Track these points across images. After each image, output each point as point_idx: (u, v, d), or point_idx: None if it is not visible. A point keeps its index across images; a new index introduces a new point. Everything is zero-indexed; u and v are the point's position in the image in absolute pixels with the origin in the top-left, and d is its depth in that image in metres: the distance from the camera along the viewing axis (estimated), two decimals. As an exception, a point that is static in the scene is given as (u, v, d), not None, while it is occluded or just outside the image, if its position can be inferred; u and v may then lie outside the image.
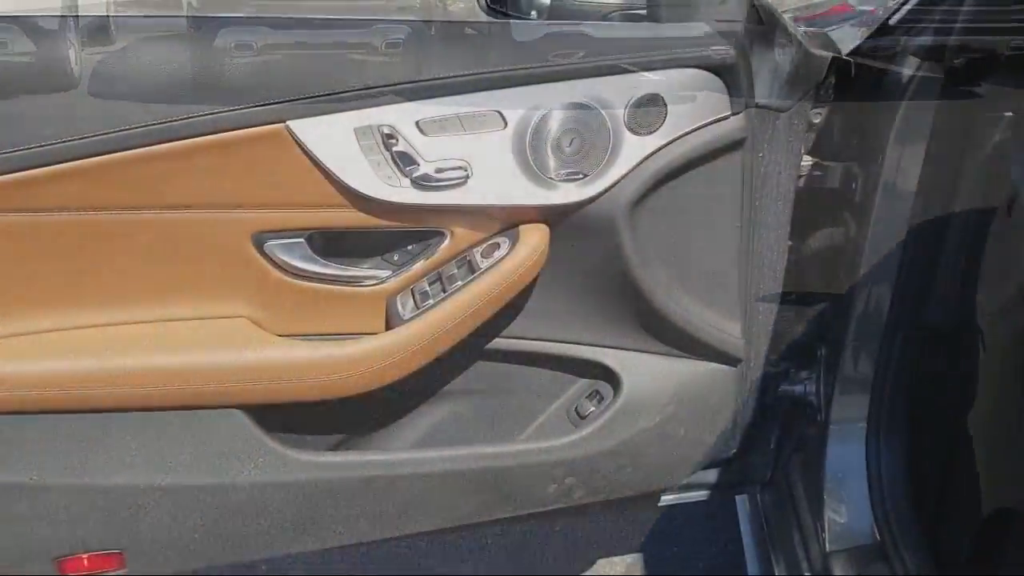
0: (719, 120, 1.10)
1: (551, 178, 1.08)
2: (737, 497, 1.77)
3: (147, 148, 0.98)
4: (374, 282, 1.13)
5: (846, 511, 1.36)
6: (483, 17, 1.40)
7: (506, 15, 1.39)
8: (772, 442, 1.60)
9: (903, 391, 1.33)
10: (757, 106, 1.21)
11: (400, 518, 1.21)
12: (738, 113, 1.11)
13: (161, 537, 1.14)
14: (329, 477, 1.17)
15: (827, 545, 1.33)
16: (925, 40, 1.13)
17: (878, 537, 1.29)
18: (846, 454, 1.38)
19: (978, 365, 1.60)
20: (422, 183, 1.04)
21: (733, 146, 1.13)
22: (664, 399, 1.25)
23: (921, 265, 1.23)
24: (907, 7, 1.20)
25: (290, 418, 1.17)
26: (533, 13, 1.31)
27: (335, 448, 1.25)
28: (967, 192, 1.17)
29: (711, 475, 1.57)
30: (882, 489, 1.32)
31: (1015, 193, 1.08)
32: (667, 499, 1.56)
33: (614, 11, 1.24)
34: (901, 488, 1.32)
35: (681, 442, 1.30)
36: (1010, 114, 1.11)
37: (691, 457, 1.34)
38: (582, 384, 1.29)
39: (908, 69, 1.18)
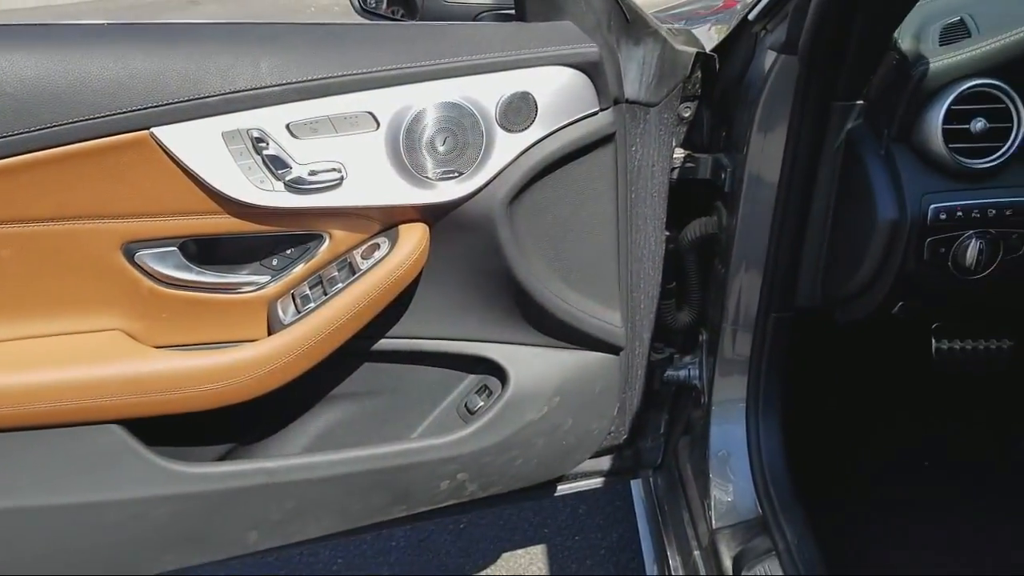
0: (588, 116, 1.13)
1: (427, 177, 1.09)
2: (632, 481, 1.82)
3: (4, 161, 0.95)
4: (253, 288, 1.12)
5: (731, 489, 1.42)
6: (356, 18, 1.40)
7: (379, 16, 1.39)
8: (662, 426, 1.65)
9: (777, 371, 1.39)
10: (627, 102, 1.25)
11: (292, 524, 1.20)
12: (606, 109, 1.14)
13: (41, 560, 1.10)
14: (216, 488, 1.15)
15: (713, 522, 1.38)
16: (780, 34, 1.19)
17: (760, 512, 1.35)
18: (728, 434, 1.44)
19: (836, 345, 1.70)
20: (296, 186, 1.03)
21: (603, 141, 1.16)
22: (550, 390, 1.28)
23: (787, 250, 1.28)
24: (763, 2, 1.25)
25: (173, 430, 1.14)
26: (405, 13, 1.32)
27: (222, 458, 1.24)
28: (826, 179, 1.23)
29: (604, 462, 1.61)
30: (762, 465, 1.38)
31: (867, 179, 1.15)
32: (563, 488, 1.60)
33: (484, 11, 1.26)
34: (780, 463, 1.38)
35: (569, 432, 1.32)
36: (861, 102, 1.17)
37: (580, 446, 1.37)
38: (471, 380, 1.30)
39: (767, 62, 1.23)
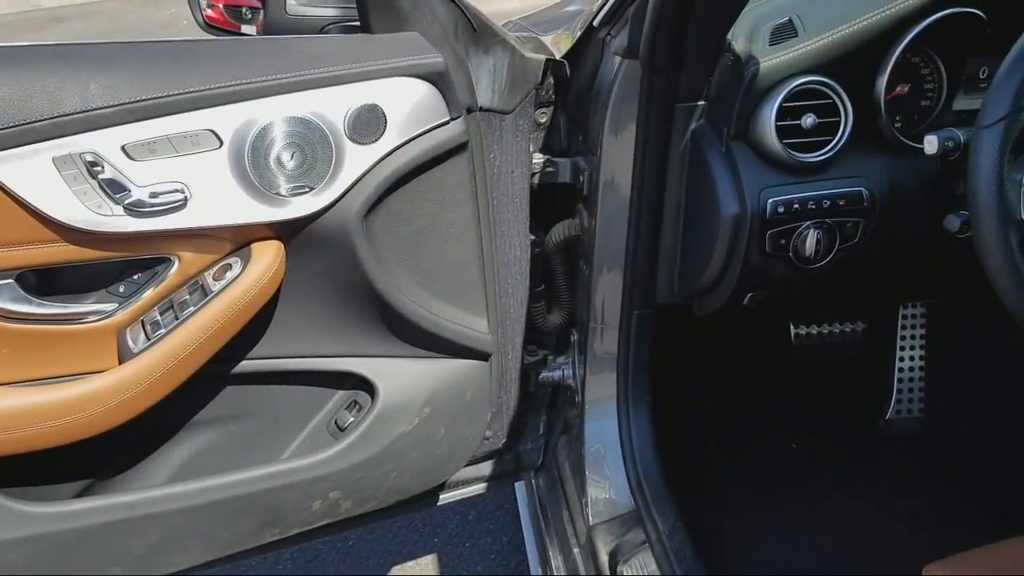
0: (440, 126, 1.13)
1: (278, 194, 1.07)
2: (516, 484, 1.83)
3: None
4: (99, 317, 1.07)
5: (607, 485, 1.45)
6: (202, 34, 1.36)
7: (223, 31, 1.36)
8: (541, 428, 1.67)
9: (644, 366, 1.43)
10: (481, 110, 1.26)
11: (157, 557, 1.16)
12: (457, 118, 1.14)
13: None
14: (73, 527, 1.10)
15: (590, 519, 1.41)
16: (623, 39, 1.22)
17: (634, 505, 1.38)
18: (602, 431, 1.47)
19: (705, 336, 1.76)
20: (136, 209, 1.00)
21: (457, 150, 1.17)
22: (420, 401, 1.28)
23: (645, 248, 1.32)
24: (605, 8, 1.29)
25: (22, 470, 1.09)
26: (249, 28, 1.29)
27: (81, 495, 1.18)
28: (675, 179, 1.27)
29: (486, 467, 1.62)
30: (635, 459, 1.41)
31: (710, 177, 1.19)
32: (446, 497, 1.59)
33: (330, 24, 1.25)
34: (651, 456, 1.41)
35: (442, 441, 1.32)
36: (703, 103, 1.21)
37: (455, 454, 1.37)
38: (340, 396, 1.29)
39: (613, 67, 1.26)
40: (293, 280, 1.15)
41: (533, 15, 1.94)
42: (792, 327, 1.72)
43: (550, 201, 1.50)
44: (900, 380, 1.75)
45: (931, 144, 1.03)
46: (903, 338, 1.75)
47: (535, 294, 1.51)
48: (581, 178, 1.39)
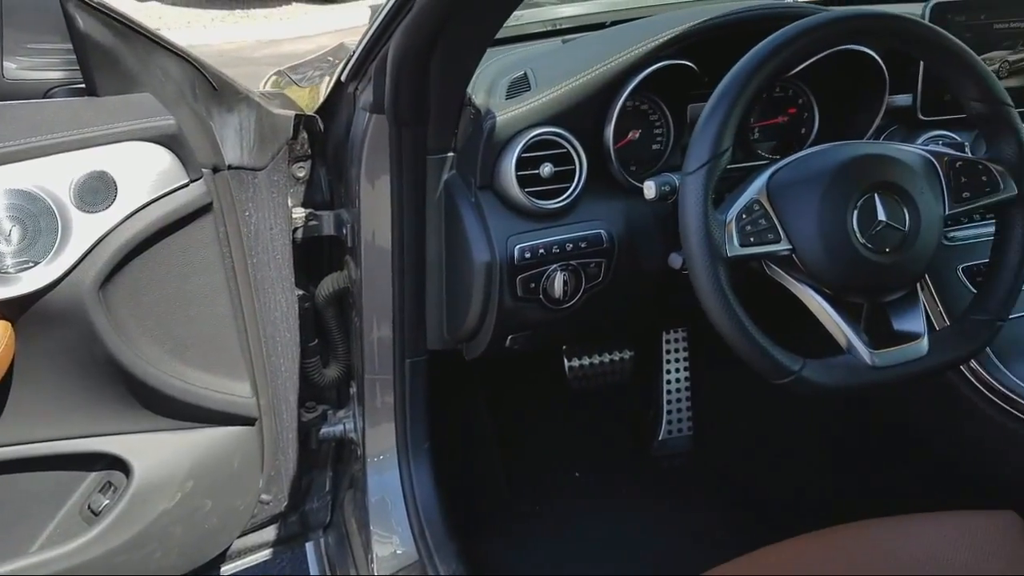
0: (178, 189, 1.09)
1: (2, 271, 1.00)
2: (307, 545, 1.78)
3: None
4: None
5: (393, 538, 1.43)
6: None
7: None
8: (327, 485, 1.64)
9: (421, 413, 1.43)
10: (230, 168, 1.24)
11: None
12: (197, 179, 1.11)
13: None
14: None
15: (375, 573, 1.39)
16: (370, 94, 1.23)
17: (418, 555, 1.37)
18: (385, 483, 1.45)
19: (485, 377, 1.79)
20: None
21: (201, 212, 1.13)
22: (182, 475, 1.22)
23: (411, 297, 1.33)
24: (351, 64, 1.30)
25: None
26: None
27: None
28: (434, 228, 1.29)
29: (270, 532, 1.57)
30: (417, 509, 1.40)
31: (462, 226, 1.22)
32: (229, 569, 1.53)
33: (56, 87, 1.18)
34: (434, 503, 1.41)
35: (210, 514, 1.27)
36: (452, 154, 1.24)
37: (226, 526, 1.31)
38: (93, 478, 1.21)
39: (363, 121, 1.27)
40: (27, 359, 1.07)
41: (299, 64, 1.93)
42: (566, 360, 1.79)
43: (318, 254, 1.49)
44: (668, 402, 1.86)
45: (649, 189, 1.10)
46: (668, 362, 1.86)
47: (308, 349, 1.48)
48: (345, 230, 1.39)
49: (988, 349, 1.25)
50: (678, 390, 1.86)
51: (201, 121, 1.17)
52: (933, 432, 1.43)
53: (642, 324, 1.59)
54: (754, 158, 1.33)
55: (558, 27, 1.57)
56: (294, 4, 9.06)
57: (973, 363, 1.25)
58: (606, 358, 1.81)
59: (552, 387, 1.83)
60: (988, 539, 1.03)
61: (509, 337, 1.28)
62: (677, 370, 1.87)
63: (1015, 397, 1.21)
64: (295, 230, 1.40)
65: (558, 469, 1.82)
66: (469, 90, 1.22)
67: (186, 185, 1.11)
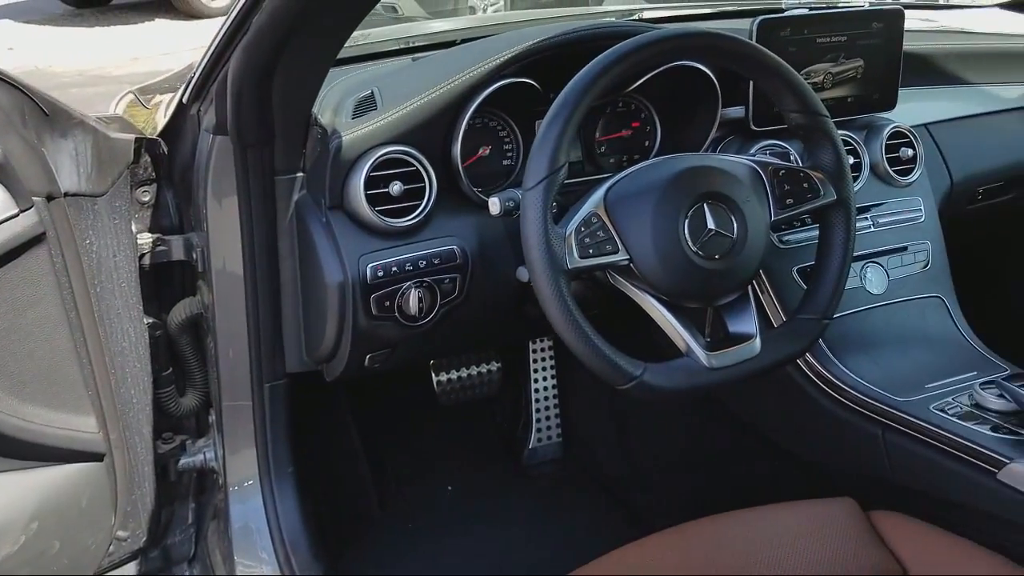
0: (7, 220, 1.05)
1: None
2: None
3: None
4: None
5: (259, 567, 1.40)
6: None
7: None
8: (190, 516, 1.59)
9: (283, 438, 1.41)
10: (67, 195, 1.19)
11: None
12: (27, 209, 1.07)
13: None
14: None
15: None
16: (212, 116, 1.21)
17: (285, 583, 1.35)
18: (248, 511, 1.42)
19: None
20: None
21: (32, 243, 1.09)
22: (26, 517, 1.16)
23: (267, 321, 1.31)
24: (192, 85, 1.27)
25: None
26: None
27: None
28: (287, 250, 1.27)
29: (131, 569, 1.51)
30: (282, 534, 1.38)
31: (314, 247, 1.21)
32: (85, 612, 1.46)
33: None
34: (299, 528, 1.39)
35: (59, 555, 1.21)
36: (301, 174, 1.23)
37: (78, 567, 1.26)
38: None
39: (207, 143, 1.25)
40: None
41: (152, 84, 1.87)
42: (434, 375, 1.79)
43: (169, 280, 1.45)
44: (537, 410, 1.89)
45: (494, 205, 1.12)
46: (535, 371, 1.89)
47: (162, 378, 1.44)
48: (195, 254, 1.36)
49: (823, 344, 1.33)
50: (546, 398, 1.90)
51: (32, 148, 1.12)
52: (779, 426, 1.51)
53: (505, 336, 1.61)
54: (602, 171, 1.37)
55: (410, 45, 1.58)
56: (157, 20, 8.76)
57: (809, 358, 1.32)
58: (473, 371, 1.82)
59: (421, 402, 1.84)
60: (829, 526, 1.10)
61: (368, 356, 1.28)
62: (544, 379, 1.90)
63: (846, 388, 1.29)
64: (142, 256, 1.36)
65: (430, 484, 1.82)
66: (315, 110, 1.22)
67: (15, 216, 1.06)
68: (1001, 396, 1.17)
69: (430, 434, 1.89)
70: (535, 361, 1.89)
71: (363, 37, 1.55)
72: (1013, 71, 1.76)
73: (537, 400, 1.89)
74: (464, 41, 1.51)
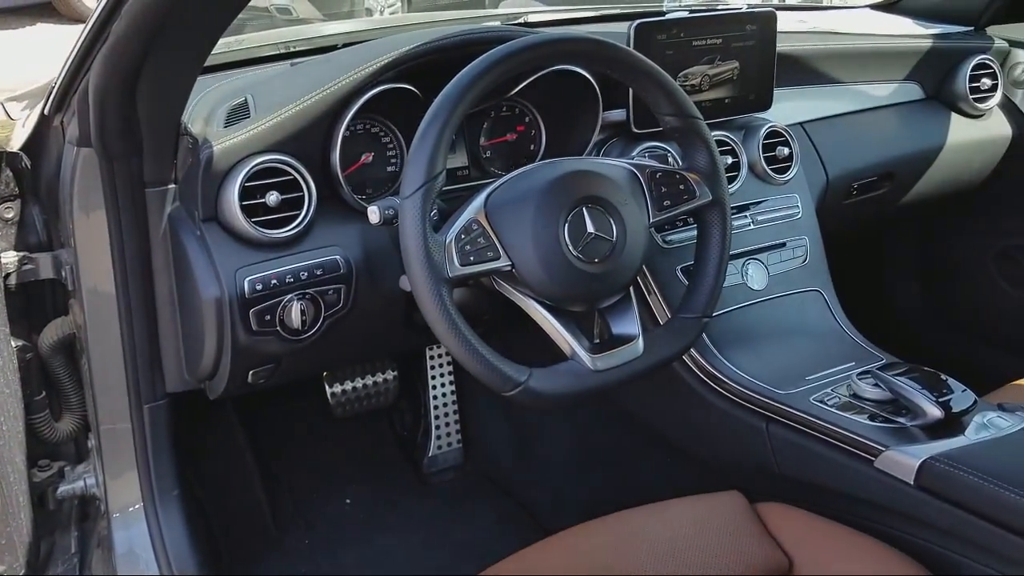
0: None
1: None
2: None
3: None
4: None
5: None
6: None
7: None
8: (73, 546, 1.52)
9: (166, 460, 1.36)
10: None
11: None
12: None
13: None
14: None
15: None
16: (75, 127, 1.16)
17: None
18: (133, 537, 1.37)
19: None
20: None
21: None
22: None
23: (143, 339, 1.26)
24: (53, 96, 1.21)
25: None
26: None
27: None
28: (162, 265, 1.22)
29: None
30: (169, 562, 1.33)
31: (188, 261, 1.17)
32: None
33: None
34: (187, 554, 1.34)
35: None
36: (173, 186, 1.19)
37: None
38: None
39: (72, 155, 1.19)
40: None
41: (21, 94, 1.78)
42: (327, 387, 1.76)
43: (39, 300, 1.38)
44: (436, 417, 1.87)
45: (374, 214, 1.10)
46: (433, 378, 1.87)
47: (35, 403, 1.37)
48: (64, 272, 1.30)
49: (707, 340, 1.36)
50: (445, 405, 1.89)
51: None
52: (669, 422, 1.54)
53: (396, 345, 1.59)
54: (488, 176, 1.37)
55: (290, 49, 1.54)
56: (39, 24, 8.37)
57: (694, 354, 1.35)
58: (369, 380, 1.80)
59: (317, 414, 1.80)
60: (717, 521, 1.12)
61: (251, 372, 1.24)
62: (443, 385, 1.89)
63: (730, 382, 1.31)
64: (7, 276, 1.29)
65: (328, 498, 1.78)
66: (186, 118, 1.17)
67: None
68: (877, 385, 1.20)
69: (327, 447, 1.86)
70: (433, 368, 1.88)
71: (237, 43, 1.51)
72: (883, 70, 1.83)
73: (436, 407, 1.88)
74: (346, 45, 1.48)
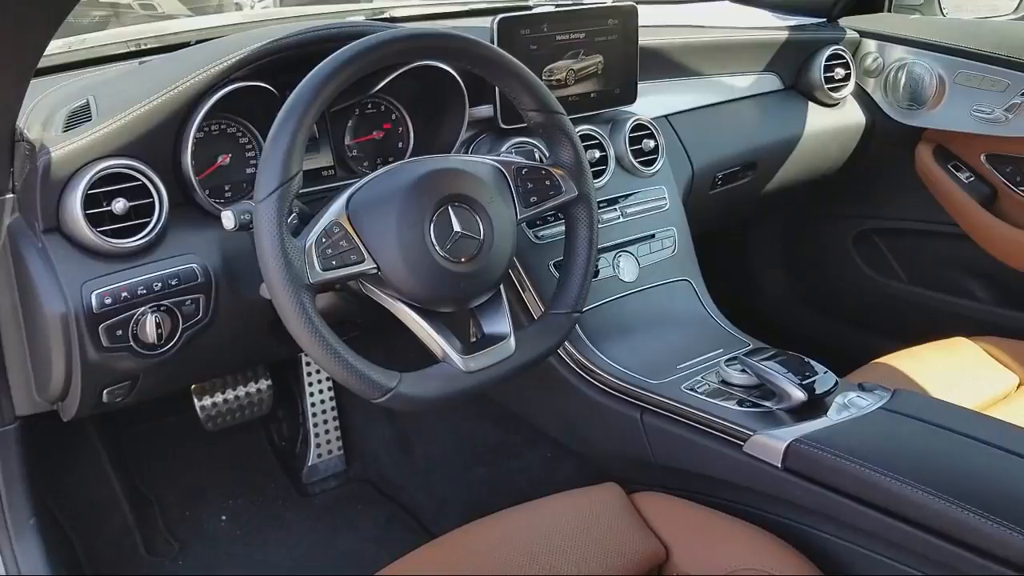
0: None
1: None
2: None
3: None
4: None
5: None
6: None
7: None
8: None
9: (20, 489, 1.28)
10: None
11: None
12: None
13: None
14: None
15: None
16: None
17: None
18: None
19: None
20: None
21: None
22: None
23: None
24: None
25: None
26: None
27: None
28: (3, 279, 1.14)
29: None
30: None
31: (30, 275, 1.09)
32: None
33: None
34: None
35: None
36: (12, 195, 1.11)
37: None
38: None
39: None
40: None
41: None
42: (196, 401, 1.69)
43: None
44: (315, 425, 1.82)
45: (228, 220, 1.05)
46: (310, 384, 1.82)
47: None
48: None
49: (581, 333, 1.36)
50: (324, 412, 1.84)
51: None
52: (547, 417, 1.54)
53: (265, 354, 1.53)
54: (355, 175, 1.33)
55: (139, 47, 1.46)
56: None
57: (569, 347, 1.35)
58: (241, 392, 1.73)
59: (187, 430, 1.72)
60: (596, 514, 1.13)
61: (104, 391, 1.17)
62: (320, 391, 1.84)
63: (604, 375, 1.32)
64: None
65: (202, 516, 1.71)
66: (22, 123, 1.09)
67: None
68: (744, 371, 1.23)
69: (199, 462, 1.78)
70: (309, 374, 1.83)
71: (80, 42, 1.42)
72: (743, 62, 1.88)
73: (315, 415, 1.83)
74: (200, 42, 1.41)
